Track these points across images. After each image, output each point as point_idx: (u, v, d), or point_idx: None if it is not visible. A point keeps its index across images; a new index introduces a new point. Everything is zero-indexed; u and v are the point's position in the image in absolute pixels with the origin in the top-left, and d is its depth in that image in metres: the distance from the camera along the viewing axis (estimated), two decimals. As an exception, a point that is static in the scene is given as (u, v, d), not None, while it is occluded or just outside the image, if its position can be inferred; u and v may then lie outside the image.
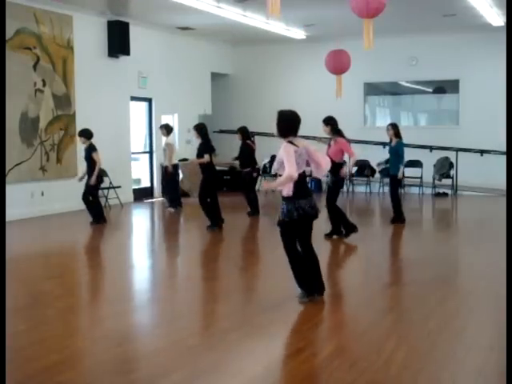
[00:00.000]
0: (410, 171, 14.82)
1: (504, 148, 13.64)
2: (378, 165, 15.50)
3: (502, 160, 14.37)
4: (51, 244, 9.85)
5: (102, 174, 12.03)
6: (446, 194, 15.56)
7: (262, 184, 6.48)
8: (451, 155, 15.60)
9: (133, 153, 14.71)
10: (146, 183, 15.46)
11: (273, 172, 6.23)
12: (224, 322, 5.54)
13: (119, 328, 5.42)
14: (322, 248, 8.87)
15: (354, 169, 16.31)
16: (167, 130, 13.25)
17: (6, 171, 11.17)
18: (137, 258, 9.05)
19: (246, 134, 12.00)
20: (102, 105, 13.44)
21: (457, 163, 15.52)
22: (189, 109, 15.98)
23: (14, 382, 4.17)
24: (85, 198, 11.05)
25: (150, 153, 15.30)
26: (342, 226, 9.54)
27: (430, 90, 16.69)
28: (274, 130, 5.97)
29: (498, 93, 14.46)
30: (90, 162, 10.92)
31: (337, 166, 9.46)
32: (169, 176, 13.10)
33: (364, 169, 16.20)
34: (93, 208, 11.09)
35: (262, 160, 15.57)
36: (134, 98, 14.56)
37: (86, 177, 11.03)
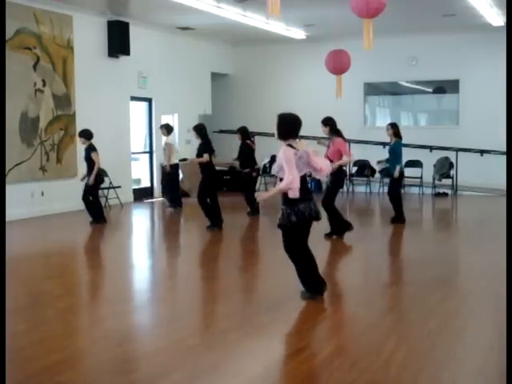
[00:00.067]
0: (409, 171, 14.83)
1: (504, 148, 13.64)
2: (378, 163, 15.47)
3: (502, 160, 14.37)
4: (51, 244, 9.85)
5: (102, 174, 12.04)
6: (446, 194, 15.56)
7: (259, 195, 6.50)
8: (451, 155, 15.60)
9: (133, 153, 14.71)
10: (146, 183, 15.46)
11: (272, 173, 6.24)
12: (224, 321, 5.54)
13: (119, 328, 5.42)
14: (321, 248, 8.88)
15: (354, 168, 16.35)
16: (167, 129, 13.27)
17: (6, 171, 11.17)
18: (137, 258, 9.05)
19: (245, 134, 12.02)
20: (101, 105, 13.44)
21: (457, 163, 15.53)
22: (189, 109, 15.98)
23: (14, 382, 4.17)
24: (85, 198, 11.06)
25: (150, 153, 15.30)
26: (340, 224, 9.55)
27: (430, 90, 16.69)
28: (274, 130, 5.97)
29: (498, 93, 14.46)
30: (90, 162, 10.93)
31: (338, 167, 9.47)
32: (167, 176, 13.13)
33: (364, 169, 16.20)
34: (93, 208, 11.10)
35: (261, 160, 15.57)
36: (133, 98, 14.56)
37: (87, 177, 11.05)
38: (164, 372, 4.35)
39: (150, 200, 14.82)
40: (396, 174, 10.73)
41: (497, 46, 14.53)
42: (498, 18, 13.50)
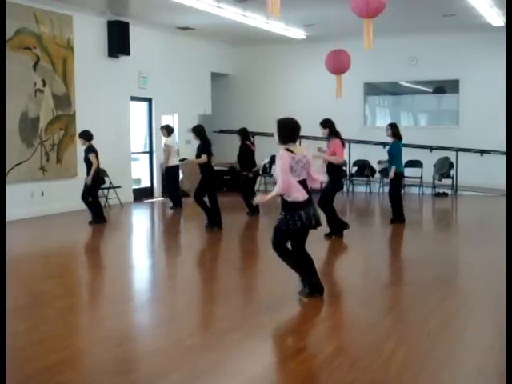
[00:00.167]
0: (409, 171, 14.83)
1: (504, 148, 13.64)
2: (379, 163, 15.49)
3: (502, 160, 14.37)
4: (51, 244, 9.85)
5: (102, 174, 12.04)
6: (446, 194, 15.56)
7: (257, 198, 6.53)
8: (451, 155, 15.60)
9: (133, 153, 14.71)
10: (146, 183, 15.46)
11: (272, 173, 6.26)
12: (224, 322, 5.53)
13: (119, 328, 5.42)
14: (321, 248, 8.88)
15: (354, 168, 16.36)
16: (168, 130, 13.29)
17: (6, 171, 11.17)
18: (137, 258, 9.05)
19: (245, 135, 12.06)
20: (101, 105, 13.44)
21: (457, 163, 15.53)
22: (189, 109, 15.97)
23: (14, 382, 4.17)
24: (84, 197, 11.06)
25: (150, 153, 15.30)
26: (329, 225, 9.50)
27: (430, 90, 16.69)
28: (273, 130, 6.00)
29: (498, 93, 14.45)
30: (88, 163, 10.94)
31: (335, 167, 9.46)
32: (166, 176, 13.18)
33: (364, 169, 16.21)
34: (92, 207, 11.10)
35: (261, 160, 15.57)
36: (133, 98, 14.56)
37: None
38: (164, 372, 4.35)
39: (149, 200, 14.82)
40: (391, 175, 10.71)
41: (497, 45, 14.53)
42: (497, 18, 13.50)
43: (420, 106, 17.13)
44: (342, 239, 9.50)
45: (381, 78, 16.69)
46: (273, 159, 14.85)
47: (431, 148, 15.94)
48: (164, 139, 13.43)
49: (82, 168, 11.58)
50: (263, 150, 14.89)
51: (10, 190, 10.95)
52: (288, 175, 5.78)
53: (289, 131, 5.95)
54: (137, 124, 15.02)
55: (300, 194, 5.84)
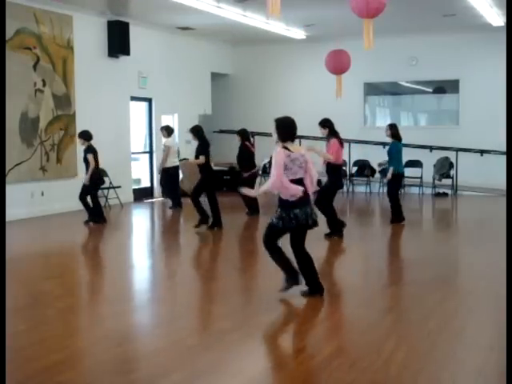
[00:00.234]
0: (409, 171, 14.83)
1: (504, 148, 13.64)
2: (380, 165, 15.50)
3: (502, 160, 14.37)
4: (51, 244, 9.85)
5: (102, 174, 12.03)
6: (446, 194, 15.56)
7: (245, 189, 6.61)
8: (451, 155, 15.60)
9: (133, 153, 14.71)
10: (146, 183, 15.46)
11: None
12: (224, 322, 5.53)
13: (119, 328, 5.42)
14: (321, 248, 8.88)
15: (354, 168, 16.36)
16: (168, 131, 13.30)
17: (6, 171, 11.17)
18: (137, 258, 9.05)
19: (245, 135, 12.09)
20: (102, 105, 13.44)
21: (457, 163, 15.53)
22: (189, 109, 15.97)
23: (14, 382, 4.17)
24: (81, 198, 11.03)
25: (150, 153, 15.30)
26: (329, 225, 9.49)
27: (430, 90, 16.69)
28: (273, 130, 6.03)
29: (498, 93, 14.46)
30: (87, 163, 10.94)
31: (334, 167, 9.44)
32: (165, 177, 13.21)
33: (364, 169, 16.21)
34: (89, 207, 11.05)
35: (261, 160, 15.56)
36: (133, 98, 14.56)
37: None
38: (164, 372, 4.35)
39: (150, 200, 14.82)
40: (388, 175, 10.74)
41: (497, 45, 14.53)
42: (497, 18, 13.51)
43: (420, 106, 17.13)
44: (342, 239, 9.50)
45: (381, 78, 16.69)
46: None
47: (431, 148, 15.94)
48: (164, 140, 13.44)
49: (82, 168, 11.57)
50: (263, 150, 14.87)
51: (10, 189, 10.95)
52: (281, 171, 5.82)
53: (287, 130, 6.02)
54: (137, 124, 15.02)
55: (294, 191, 5.85)
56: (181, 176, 14.01)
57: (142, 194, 14.86)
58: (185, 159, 14.01)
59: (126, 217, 12.99)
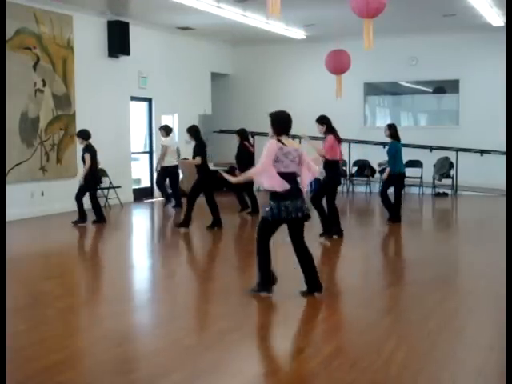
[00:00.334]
0: (410, 171, 14.80)
1: (504, 148, 13.64)
2: (380, 165, 15.51)
3: (502, 160, 14.37)
4: (51, 244, 9.85)
5: (101, 174, 12.02)
6: (446, 194, 15.56)
7: (226, 175, 6.61)
8: (451, 155, 15.60)
9: (133, 153, 14.71)
10: (145, 183, 15.46)
11: None
12: (224, 322, 5.53)
13: (119, 328, 5.42)
14: (321, 248, 8.88)
15: (354, 168, 16.36)
16: (166, 131, 13.32)
17: (6, 171, 11.17)
18: (137, 258, 9.05)
19: (244, 135, 12.13)
20: (102, 105, 13.44)
21: (457, 163, 15.53)
22: (189, 109, 15.97)
23: (14, 382, 4.17)
24: (77, 198, 10.96)
25: (150, 153, 15.30)
26: (323, 226, 9.45)
27: (430, 90, 16.69)
28: (269, 130, 6.08)
29: (498, 93, 14.46)
30: (85, 162, 10.93)
31: (331, 163, 9.39)
32: (160, 176, 13.29)
33: (364, 169, 16.21)
34: (82, 209, 10.99)
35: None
36: (133, 98, 14.56)
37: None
38: (164, 372, 4.35)
39: (150, 200, 14.82)
40: (384, 175, 10.82)
41: (497, 45, 14.53)
42: (497, 18, 13.50)
43: (420, 106, 17.13)
44: (337, 239, 9.42)
45: (381, 78, 16.69)
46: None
47: (431, 148, 15.94)
48: (162, 139, 13.46)
49: (81, 168, 11.56)
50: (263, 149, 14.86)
51: (10, 189, 10.95)
52: (269, 161, 5.86)
53: (282, 124, 6.05)
54: (137, 124, 15.02)
55: (277, 184, 5.88)
56: (181, 176, 14.01)
57: (142, 194, 14.86)
58: (185, 159, 14.01)
59: (125, 217, 12.99)
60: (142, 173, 15.41)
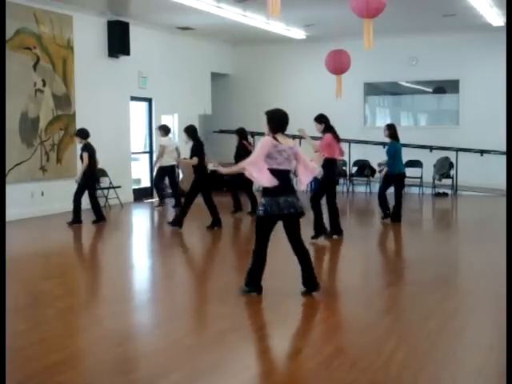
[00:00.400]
0: (410, 171, 14.80)
1: (504, 148, 13.64)
2: (380, 165, 15.50)
3: (502, 160, 14.38)
4: (51, 244, 9.85)
5: (101, 174, 12.01)
6: (446, 194, 15.56)
7: (214, 164, 6.63)
8: (451, 155, 15.60)
9: (133, 153, 14.72)
10: (146, 183, 15.46)
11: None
12: (223, 322, 5.53)
13: (119, 328, 5.42)
14: (321, 248, 8.88)
15: (354, 168, 16.36)
16: (165, 130, 13.31)
17: (6, 171, 11.17)
18: (137, 258, 9.05)
19: (242, 134, 12.14)
20: (102, 105, 13.44)
21: (457, 163, 15.53)
22: (189, 109, 15.97)
23: (14, 382, 4.17)
24: (75, 198, 10.92)
25: (150, 153, 15.31)
26: (315, 227, 9.33)
27: (430, 90, 16.69)
28: (265, 128, 6.11)
29: (498, 93, 14.46)
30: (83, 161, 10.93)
31: (329, 162, 9.35)
32: (157, 175, 13.30)
33: (364, 169, 16.21)
34: (77, 210, 10.97)
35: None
36: (133, 98, 14.57)
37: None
38: (164, 372, 4.35)
39: (150, 200, 14.82)
40: (381, 175, 10.87)
41: (497, 45, 14.54)
42: (497, 18, 13.50)
43: (420, 106, 17.13)
44: (337, 239, 9.41)
45: (381, 78, 16.69)
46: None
47: (431, 148, 15.94)
48: (161, 139, 13.47)
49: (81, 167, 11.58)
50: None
51: (10, 189, 10.95)
52: (261, 156, 5.88)
53: (278, 122, 6.06)
54: (137, 124, 15.02)
55: (265, 178, 5.89)
56: (181, 176, 14.01)
57: (142, 194, 14.86)
58: (185, 159, 14.01)
59: (125, 217, 12.99)
60: (141, 173, 15.41)
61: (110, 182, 13.23)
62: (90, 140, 11.01)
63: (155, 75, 14.93)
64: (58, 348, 4.88)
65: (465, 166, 15.46)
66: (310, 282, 6.15)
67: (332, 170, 9.41)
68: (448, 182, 15.52)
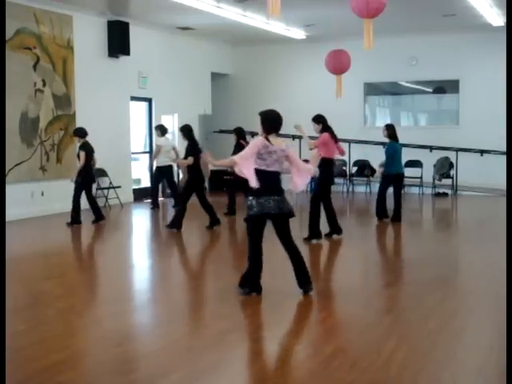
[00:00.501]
0: (410, 171, 14.83)
1: (504, 148, 13.64)
2: (380, 166, 15.49)
3: (502, 160, 14.38)
4: (51, 244, 9.85)
5: (100, 174, 12.00)
6: (446, 194, 15.56)
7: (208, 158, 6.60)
8: (451, 155, 15.61)
9: (133, 153, 14.72)
10: (146, 183, 15.46)
11: None
12: (223, 322, 5.53)
13: (119, 328, 5.42)
14: (321, 248, 8.88)
15: (354, 168, 16.36)
16: (161, 131, 13.30)
17: (6, 171, 11.17)
18: (137, 258, 9.05)
19: (240, 134, 12.14)
20: (101, 105, 13.44)
21: (457, 163, 15.53)
22: (189, 109, 15.97)
23: (14, 382, 4.17)
24: (74, 198, 10.89)
25: (150, 153, 15.29)
26: (309, 228, 9.31)
27: (430, 90, 16.70)
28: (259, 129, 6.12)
29: (498, 93, 14.46)
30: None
31: (325, 162, 9.33)
32: (155, 175, 13.39)
33: (364, 169, 16.21)
34: (77, 211, 10.95)
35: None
36: (133, 98, 14.57)
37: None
38: (164, 372, 4.35)
39: (150, 200, 14.79)
40: (376, 174, 10.87)
41: (497, 45, 14.54)
42: (497, 18, 13.51)
43: (420, 106, 17.13)
44: (337, 238, 9.40)
45: (381, 78, 16.69)
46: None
47: (431, 148, 15.94)
48: (157, 139, 13.47)
49: (80, 167, 11.58)
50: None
51: (10, 189, 10.96)
52: (248, 155, 5.90)
53: (271, 124, 6.07)
54: (137, 124, 15.03)
55: (250, 177, 5.89)
56: (181, 176, 14.01)
57: (142, 194, 14.85)
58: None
59: (125, 217, 12.99)
60: (141, 173, 15.40)
61: (110, 182, 13.23)
62: (89, 140, 11.00)
63: (155, 75, 14.93)
64: (58, 348, 4.88)
65: (465, 165, 15.47)
66: (303, 281, 6.15)
67: (329, 169, 9.41)
68: (448, 182, 15.52)
